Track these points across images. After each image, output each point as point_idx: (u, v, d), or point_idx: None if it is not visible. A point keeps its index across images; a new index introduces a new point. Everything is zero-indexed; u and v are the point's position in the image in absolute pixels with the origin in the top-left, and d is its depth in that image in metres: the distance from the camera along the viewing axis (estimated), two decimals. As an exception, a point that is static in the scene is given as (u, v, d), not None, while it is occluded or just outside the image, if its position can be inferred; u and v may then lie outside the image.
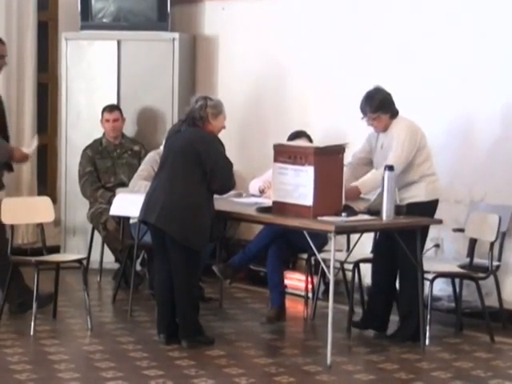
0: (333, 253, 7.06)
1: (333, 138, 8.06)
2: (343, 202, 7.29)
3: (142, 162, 8.77)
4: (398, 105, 8.04)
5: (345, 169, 7.36)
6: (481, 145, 8.22)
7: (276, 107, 9.45)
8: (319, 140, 8.04)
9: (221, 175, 7.33)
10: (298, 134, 8.32)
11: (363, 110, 7.58)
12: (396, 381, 6.69)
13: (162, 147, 8.57)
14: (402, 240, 7.36)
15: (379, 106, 7.53)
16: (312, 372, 6.81)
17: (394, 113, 7.61)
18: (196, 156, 7.23)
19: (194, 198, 7.28)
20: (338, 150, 7.38)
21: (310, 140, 8.23)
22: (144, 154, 9.20)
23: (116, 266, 9.14)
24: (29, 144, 8.39)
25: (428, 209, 7.49)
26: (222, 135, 7.52)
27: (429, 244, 8.07)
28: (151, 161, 8.65)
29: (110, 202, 8.61)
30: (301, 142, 7.94)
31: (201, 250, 7.49)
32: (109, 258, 9.30)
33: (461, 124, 8.32)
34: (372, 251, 7.96)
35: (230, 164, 7.43)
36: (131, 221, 8.33)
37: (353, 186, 7.47)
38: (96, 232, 9.20)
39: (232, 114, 7.92)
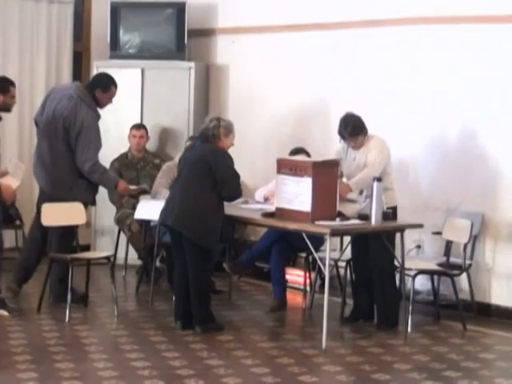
0: (328, 252, 7.10)
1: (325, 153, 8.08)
2: (337, 207, 7.32)
3: (160, 172, 8.79)
4: (389, 127, 8.22)
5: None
6: (457, 161, 8.22)
7: (278, 127, 9.45)
8: (318, 153, 8.04)
9: (230, 185, 7.34)
10: (298, 150, 8.33)
11: (341, 134, 7.65)
12: (382, 363, 6.71)
13: (176, 158, 8.64)
14: (377, 241, 7.42)
15: (355, 129, 7.60)
16: (309, 355, 6.85)
17: (366, 131, 7.68)
18: (208, 168, 7.25)
19: (207, 203, 7.29)
20: (332, 164, 7.44)
21: (308, 155, 8.24)
22: (164, 166, 9.21)
23: (139, 262, 9.13)
24: None
25: (391, 213, 7.52)
26: (232, 150, 7.54)
27: (411, 245, 8.10)
28: (168, 171, 8.70)
29: (133, 208, 8.62)
30: (300, 157, 7.94)
31: (212, 249, 7.51)
32: (132, 256, 9.28)
33: (440, 143, 8.33)
34: (352, 252, 7.91)
35: (237, 175, 7.45)
36: (152, 223, 8.31)
37: (345, 184, 7.49)
38: (121, 233, 9.19)
39: (240, 132, 7.91)
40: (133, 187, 8.45)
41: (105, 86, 8.14)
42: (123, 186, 8.30)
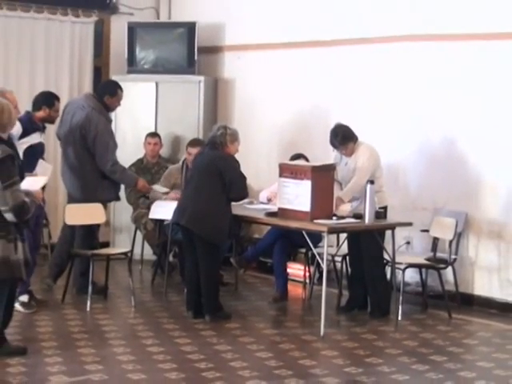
0: (325, 248, 7.14)
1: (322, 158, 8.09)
2: (334, 209, 7.34)
3: (162, 177, 8.89)
4: (380, 135, 8.26)
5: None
6: (442, 165, 8.21)
7: (279, 135, 9.45)
8: (315, 158, 8.05)
9: (237, 187, 7.35)
10: (297, 156, 8.33)
11: (333, 144, 7.69)
12: (375, 348, 6.73)
13: (180, 163, 8.88)
14: (368, 238, 7.46)
15: (344, 138, 7.63)
16: (308, 340, 6.86)
17: (355, 139, 7.69)
18: (217, 172, 7.27)
19: (216, 204, 7.31)
20: (329, 168, 7.46)
21: (307, 160, 8.23)
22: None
23: (153, 257, 9.11)
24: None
25: (382, 212, 7.55)
26: (238, 156, 7.58)
27: (401, 241, 8.11)
28: (168, 176, 8.86)
29: (148, 208, 8.62)
30: (300, 162, 7.95)
31: (221, 245, 7.53)
32: (148, 251, 9.26)
33: (426, 149, 8.32)
34: (348, 248, 7.93)
35: (244, 178, 7.46)
36: (165, 222, 8.31)
37: (337, 197, 7.49)
38: (138, 231, 9.17)
39: (245, 139, 7.93)
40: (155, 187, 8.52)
41: (112, 92, 8.18)
42: (142, 183, 8.37)
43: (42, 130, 7.68)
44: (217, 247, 7.42)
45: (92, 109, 7.95)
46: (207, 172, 7.34)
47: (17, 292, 7.08)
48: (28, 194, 5.13)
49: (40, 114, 7.65)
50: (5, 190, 4.84)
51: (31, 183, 5.62)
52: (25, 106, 7.72)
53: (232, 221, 7.55)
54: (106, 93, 8.16)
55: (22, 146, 7.24)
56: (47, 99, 7.78)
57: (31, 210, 5.00)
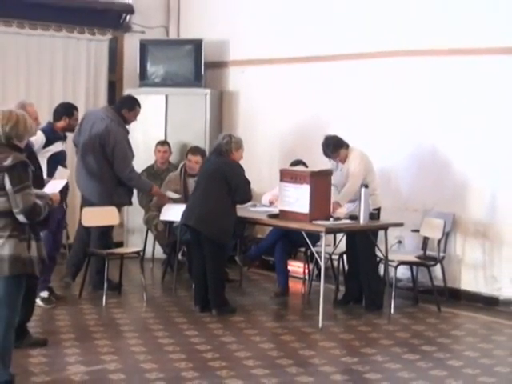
0: (323, 247, 7.14)
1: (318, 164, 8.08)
2: (331, 212, 7.34)
3: (164, 184, 8.86)
4: (375, 143, 8.31)
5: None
6: (431, 170, 8.20)
7: (280, 143, 9.44)
8: (313, 164, 8.05)
9: (241, 191, 7.36)
10: (297, 162, 8.33)
11: (326, 154, 7.74)
12: (369, 339, 6.73)
13: (178, 170, 8.90)
14: (363, 238, 7.46)
15: (335, 147, 7.68)
16: (308, 332, 6.87)
17: (346, 146, 7.71)
18: (223, 177, 7.28)
19: (222, 207, 7.31)
20: (326, 173, 7.46)
21: (306, 166, 8.24)
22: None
23: (164, 256, 9.10)
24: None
25: (376, 213, 7.55)
26: (242, 162, 7.59)
27: (393, 240, 8.09)
28: (168, 183, 8.83)
29: (159, 210, 8.61)
30: (299, 168, 7.94)
31: (226, 244, 7.52)
32: (158, 251, 9.25)
33: (417, 155, 8.31)
34: (346, 247, 7.91)
35: (248, 183, 7.46)
36: (174, 224, 8.31)
37: (334, 202, 7.50)
38: (149, 232, 9.17)
39: (249, 147, 7.93)
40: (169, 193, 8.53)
41: (130, 107, 8.19)
42: (156, 189, 8.43)
43: (63, 138, 7.73)
44: (223, 246, 7.41)
45: (111, 120, 7.96)
46: (214, 177, 7.34)
47: (38, 288, 7.19)
48: (42, 197, 5.14)
49: (61, 123, 7.68)
50: (15, 194, 4.86)
51: (52, 187, 5.64)
52: (45, 117, 7.72)
53: (237, 222, 7.55)
54: (125, 107, 8.17)
55: (45, 154, 7.31)
56: (67, 110, 7.80)
57: (43, 211, 5.01)
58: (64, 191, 7.17)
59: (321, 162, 7.94)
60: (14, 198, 4.86)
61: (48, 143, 7.35)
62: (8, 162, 4.87)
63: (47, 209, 5.08)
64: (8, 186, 4.88)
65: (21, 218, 4.90)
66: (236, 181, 7.33)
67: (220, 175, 7.32)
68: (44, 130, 7.39)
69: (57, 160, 7.31)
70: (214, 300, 7.35)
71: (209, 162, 7.65)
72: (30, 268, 5.01)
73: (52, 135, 7.44)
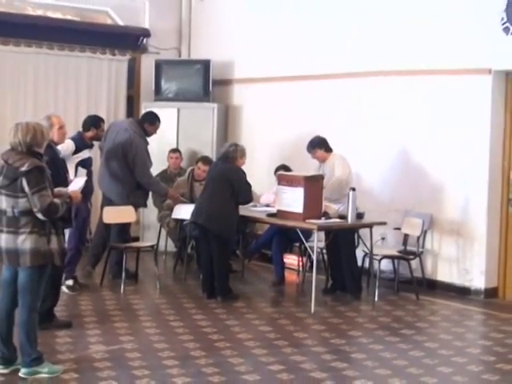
0: (316, 242, 7.17)
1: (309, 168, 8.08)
2: (323, 209, 7.33)
3: (174, 187, 8.81)
4: (362, 151, 8.33)
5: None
6: (411, 175, 8.18)
7: (278, 151, 9.36)
8: (305, 168, 8.04)
9: (243, 193, 7.38)
10: (281, 167, 8.41)
11: (307, 149, 7.80)
12: (355, 323, 6.74)
13: (186, 175, 8.90)
14: (345, 235, 7.49)
15: (314, 144, 7.74)
16: (301, 317, 6.87)
17: (327, 149, 7.75)
18: (228, 181, 7.29)
19: (227, 207, 7.32)
20: (318, 178, 7.44)
21: (289, 170, 8.30)
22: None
23: (175, 249, 9.08)
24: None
25: (363, 213, 7.54)
26: (245, 167, 7.58)
27: (377, 237, 8.05)
28: (177, 186, 8.79)
29: (171, 210, 8.59)
30: (295, 173, 7.87)
31: (230, 239, 7.51)
32: (170, 245, 9.22)
33: (399, 163, 8.28)
34: (327, 244, 7.77)
35: (249, 186, 7.47)
36: (184, 222, 8.30)
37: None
38: (162, 228, 9.10)
39: (250, 155, 7.93)
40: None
41: (151, 121, 8.21)
42: (171, 193, 8.47)
43: (91, 146, 7.75)
44: (227, 241, 7.41)
45: (134, 132, 7.97)
46: (220, 181, 7.35)
47: (64, 277, 7.22)
48: (60, 195, 5.16)
49: (89, 133, 7.71)
50: (33, 195, 4.89)
51: (73, 186, 5.64)
52: (71, 127, 7.70)
53: (239, 220, 7.55)
54: (147, 121, 8.21)
55: (75, 160, 7.35)
56: (94, 121, 7.85)
57: (60, 209, 5.02)
58: (89, 192, 7.22)
59: (311, 167, 7.94)
60: (32, 199, 4.89)
61: (77, 151, 7.38)
62: (25, 167, 4.89)
63: (65, 206, 5.09)
64: (26, 188, 4.90)
65: (39, 215, 4.93)
66: (239, 184, 7.33)
67: (225, 179, 7.32)
68: (74, 139, 7.44)
69: (84, 165, 7.36)
70: (219, 288, 7.35)
71: (216, 167, 7.65)
72: (49, 259, 5.02)
73: (81, 144, 7.47)
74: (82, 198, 5.70)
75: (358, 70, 8.51)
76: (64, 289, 7.27)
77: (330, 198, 7.50)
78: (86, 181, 6.17)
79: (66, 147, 7.09)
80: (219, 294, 7.32)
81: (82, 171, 7.04)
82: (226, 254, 7.52)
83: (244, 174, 7.46)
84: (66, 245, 7.15)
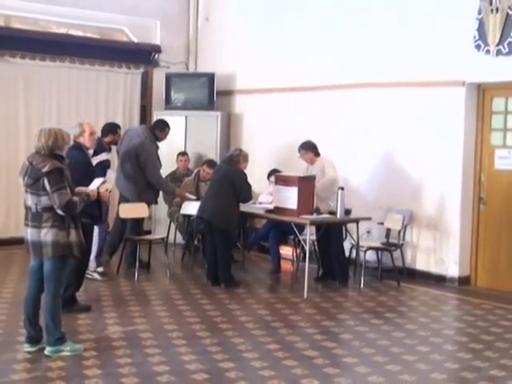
0: (308, 235, 7.18)
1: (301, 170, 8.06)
2: (315, 205, 7.32)
3: (182, 186, 8.80)
4: (349, 155, 8.30)
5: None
6: (393, 177, 8.15)
7: (275, 155, 9.32)
8: (299, 170, 8.00)
9: (244, 193, 7.36)
10: (273, 171, 8.37)
11: (299, 150, 7.80)
12: (344, 307, 6.73)
13: (193, 175, 8.89)
14: (335, 230, 7.49)
15: (306, 147, 7.74)
16: (295, 302, 6.87)
17: (315, 152, 7.75)
18: (231, 181, 7.28)
19: (228, 204, 7.31)
20: (311, 178, 7.44)
21: (280, 172, 8.20)
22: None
23: (183, 242, 9.04)
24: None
25: (350, 210, 7.53)
26: (247, 169, 7.57)
27: (363, 231, 8.03)
28: (185, 185, 8.77)
29: (179, 206, 8.59)
30: (290, 174, 7.81)
31: (232, 233, 7.50)
32: (179, 238, 9.22)
33: (383, 165, 8.26)
34: (318, 237, 7.78)
35: (249, 186, 7.46)
36: (192, 217, 8.29)
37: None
38: (172, 223, 9.12)
39: (250, 158, 7.87)
40: (187, 195, 8.50)
41: (162, 128, 8.20)
42: (179, 191, 8.47)
43: (109, 150, 7.74)
44: (229, 234, 7.40)
45: (145, 137, 7.96)
46: (224, 181, 7.34)
47: (95, 265, 7.45)
48: (79, 193, 5.16)
49: (107, 139, 7.72)
50: (53, 194, 4.89)
51: (92, 185, 5.63)
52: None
53: (240, 216, 7.56)
54: (158, 128, 8.19)
55: (93, 161, 7.28)
56: (112, 128, 7.87)
57: (78, 206, 5.02)
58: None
59: (302, 168, 7.94)
60: (52, 197, 4.90)
61: (94, 154, 7.35)
62: (46, 168, 4.90)
63: (83, 203, 5.09)
64: (47, 187, 4.90)
65: (59, 211, 4.93)
66: (240, 185, 7.33)
67: (229, 180, 7.32)
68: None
69: (102, 166, 7.32)
70: (222, 276, 7.34)
71: (220, 168, 7.65)
72: (69, 251, 5.02)
73: (98, 148, 7.40)
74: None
75: (346, 83, 8.49)
76: (96, 275, 7.40)
77: (320, 197, 7.45)
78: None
79: None
80: (222, 282, 7.31)
81: (111, 173, 7.01)
82: (229, 246, 7.50)
83: (245, 175, 7.45)
84: (97, 237, 7.29)
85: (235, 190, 7.29)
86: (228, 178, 7.34)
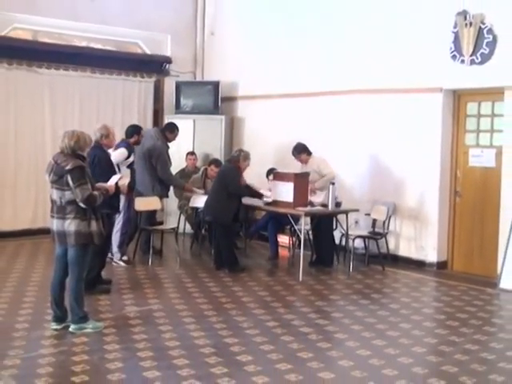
0: (303, 225, 7.17)
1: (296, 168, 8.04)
2: (309, 199, 7.32)
3: (189, 182, 8.73)
4: (341, 155, 8.24)
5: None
6: (379, 172, 8.13)
7: (273, 154, 9.33)
8: (295, 169, 7.99)
9: (231, 186, 7.24)
10: (271, 170, 8.31)
11: (293, 154, 7.77)
12: (334, 289, 6.71)
13: (200, 172, 8.83)
14: (327, 220, 7.48)
15: (296, 149, 7.73)
16: (292, 284, 6.85)
17: (308, 152, 7.73)
18: (223, 176, 7.32)
19: (221, 199, 7.26)
20: (305, 175, 7.43)
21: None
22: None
23: (192, 231, 9.01)
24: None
25: (340, 202, 7.55)
26: (248, 168, 7.54)
27: (352, 221, 8.02)
28: (193, 181, 8.71)
29: (188, 200, 8.56)
30: (286, 171, 7.76)
31: (226, 224, 7.30)
32: (188, 228, 9.18)
33: (371, 164, 8.20)
34: (312, 227, 7.79)
35: (238, 183, 7.33)
36: (199, 209, 8.25)
37: (312, 187, 7.50)
38: (181, 214, 9.03)
39: (251, 156, 7.83)
40: (195, 189, 8.47)
41: (171, 130, 8.16)
42: (187, 186, 8.43)
43: (133, 151, 7.60)
44: (228, 227, 7.31)
45: (157, 139, 7.94)
46: (220, 178, 7.38)
47: (120, 255, 7.45)
48: (98, 188, 5.16)
49: (132, 139, 7.54)
50: (75, 189, 4.90)
51: (111, 181, 5.62)
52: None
53: (242, 208, 7.56)
54: (167, 130, 8.15)
55: (126, 163, 7.22)
56: (136, 129, 7.72)
57: (98, 199, 5.03)
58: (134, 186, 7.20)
59: (297, 166, 7.93)
60: (75, 191, 4.91)
61: (128, 156, 7.30)
62: (69, 166, 4.91)
63: (102, 197, 5.09)
64: (70, 182, 4.91)
65: (81, 204, 4.94)
66: (230, 179, 7.25)
67: (222, 176, 7.34)
68: (125, 147, 7.26)
69: (130, 166, 7.28)
70: (226, 261, 7.33)
71: (222, 167, 7.64)
72: (90, 239, 5.02)
73: (130, 150, 7.35)
74: (127, 190, 5.77)
75: (336, 89, 8.47)
76: (121, 263, 7.41)
77: (320, 189, 7.54)
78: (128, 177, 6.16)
79: (120, 154, 7.07)
80: (227, 266, 7.31)
81: (126, 170, 6.98)
82: (229, 235, 7.45)
83: (236, 171, 7.34)
84: (118, 229, 7.26)
85: (226, 184, 7.22)
86: (222, 174, 7.34)
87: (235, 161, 7.40)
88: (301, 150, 7.72)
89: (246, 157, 7.46)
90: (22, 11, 8.91)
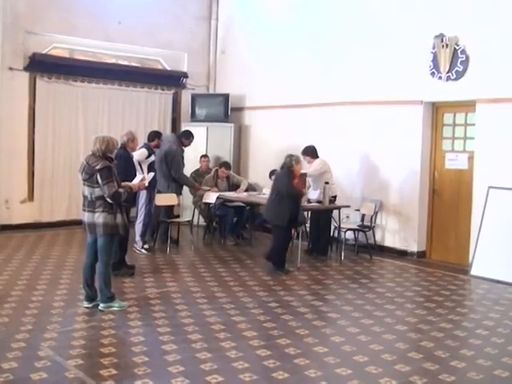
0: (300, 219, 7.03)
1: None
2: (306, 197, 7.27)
3: (204, 181, 8.68)
4: (336, 157, 8.13)
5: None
6: (368, 173, 8.12)
7: (276, 158, 9.12)
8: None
9: (285, 189, 6.59)
10: (273, 171, 8.19)
11: (302, 154, 7.56)
12: (328, 275, 6.69)
13: (212, 173, 8.73)
14: (323, 215, 7.44)
15: (308, 152, 7.64)
16: (291, 270, 6.79)
17: (314, 156, 7.66)
18: (278, 184, 6.70)
19: (280, 204, 6.65)
20: (303, 175, 7.29)
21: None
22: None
23: (204, 224, 8.97)
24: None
25: (333, 199, 7.51)
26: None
27: (344, 216, 7.97)
28: (206, 181, 8.64)
29: (201, 197, 8.53)
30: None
31: (284, 227, 6.67)
32: (201, 220, 9.13)
33: (360, 164, 8.18)
34: (311, 219, 7.70)
35: (292, 183, 6.65)
36: (211, 205, 8.26)
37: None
38: (195, 209, 9.04)
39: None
40: (203, 187, 8.44)
41: (187, 136, 8.13)
42: (196, 185, 8.37)
43: (154, 152, 7.61)
44: (282, 227, 6.62)
45: (173, 143, 7.91)
46: (274, 184, 6.81)
47: (142, 243, 7.41)
48: (123, 186, 5.17)
49: (153, 143, 7.59)
50: (103, 186, 4.92)
51: (135, 180, 5.63)
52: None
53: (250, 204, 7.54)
54: (184, 136, 8.12)
55: (146, 162, 7.25)
56: (157, 134, 7.77)
57: (123, 195, 5.03)
58: (154, 184, 7.19)
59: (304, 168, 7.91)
60: (103, 188, 4.93)
61: (149, 156, 7.32)
62: (98, 166, 4.93)
63: (126, 193, 5.09)
64: (99, 180, 4.93)
65: (108, 200, 4.95)
66: (281, 183, 6.59)
67: (276, 181, 6.77)
68: (146, 148, 7.36)
69: (151, 166, 7.30)
70: (274, 260, 6.73)
71: (276, 174, 7.05)
72: (115, 230, 5.04)
73: (150, 151, 7.39)
74: (147, 188, 5.82)
75: (330, 101, 8.45)
76: (143, 251, 7.38)
77: (313, 187, 7.51)
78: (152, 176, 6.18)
79: (141, 154, 7.15)
80: (273, 264, 6.62)
81: (151, 173, 7.00)
82: (283, 236, 6.71)
83: (288, 175, 6.58)
84: (141, 221, 7.27)
85: (279, 188, 6.57)
86: (276, 180, 6.74)
87: (289, 167, 6.61)
88: (305, 153, 7.64)
89: (298, 160, 6.69)
90: (60, 33, 8.99)
